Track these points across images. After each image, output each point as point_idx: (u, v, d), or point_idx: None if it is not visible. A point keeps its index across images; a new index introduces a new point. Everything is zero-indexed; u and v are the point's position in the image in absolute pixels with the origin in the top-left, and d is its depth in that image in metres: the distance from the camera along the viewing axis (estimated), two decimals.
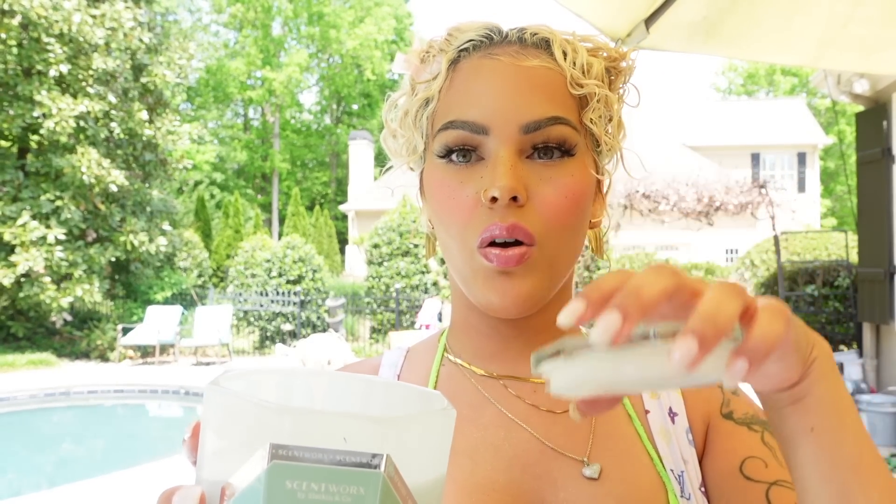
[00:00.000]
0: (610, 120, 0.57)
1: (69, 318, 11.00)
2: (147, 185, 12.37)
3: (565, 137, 0.53)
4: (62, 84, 11.07)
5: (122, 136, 11.64)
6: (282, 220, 29.19)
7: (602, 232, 0.62)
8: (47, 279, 10.35)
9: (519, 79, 0.53)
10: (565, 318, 0.32)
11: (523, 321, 0.57)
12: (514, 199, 0.51)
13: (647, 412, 0.59)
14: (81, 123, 10.80)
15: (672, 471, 0.55)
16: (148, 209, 12.28)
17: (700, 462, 0.58)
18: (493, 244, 0.52)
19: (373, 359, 0.66)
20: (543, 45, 0.56)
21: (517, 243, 0.51)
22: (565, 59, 0.55)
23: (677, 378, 0.33)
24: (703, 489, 0.56)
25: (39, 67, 10.64)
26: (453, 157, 0.54)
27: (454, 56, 0.56)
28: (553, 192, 0.52)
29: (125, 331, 11.05)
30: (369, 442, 0.27)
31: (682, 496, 0.54)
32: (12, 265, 10.14)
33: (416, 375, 0.62)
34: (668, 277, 0.33)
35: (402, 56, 0.61)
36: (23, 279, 10.30)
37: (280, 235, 26.47)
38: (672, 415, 0.59)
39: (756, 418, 0.58)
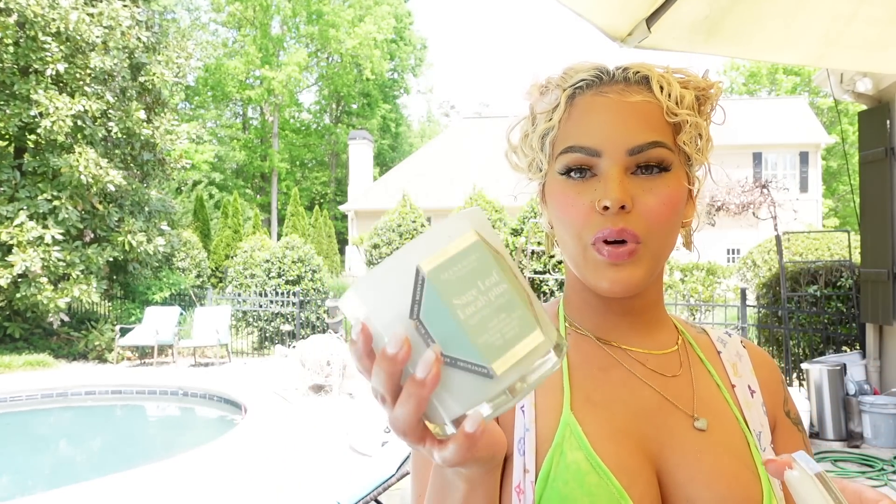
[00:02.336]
0: (700, 139, 0.70)
1: (67, 318, 10.95)
2: (145, 184, 12.33)
3: (663, 157, 0.66)
4: (59, 83, 11.02)
5: (119, 135, 11.59)
6: (281, 221, 29.17)
7: (691, 229, 0.76)
8: (44, 279, 10.30)
9: (625, 112, 0.66)
10: None
11: (629, 301, 0.71)
12: (623, 207, 0.63)
13: (733, 386, 0.73)
14: (79, 123, 10.75)
15: (753, 430, 0.70)
16: (146, 209, 12.24)
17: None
18: (605, 242, 0.64)
19: None
20: (644, 81, 0.68)
21: (625, 242, 0.64)
22: (661, 92, 0.67)
23: None
24: (772, 445, 0.71)
25: (36, 66, 10.59)
26: (572, 174, 0.67)
27: (571, 93, 0.69)
28: (655, 200, 0.65)
29: (123, 331, 11.01)
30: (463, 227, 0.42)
31: (760, 448, 0.69)
32: (9, 265, 10.09)
33: None
34: None
35: (525, 88, 0.75)
36: (20, 279, 10.25)
37: (279, 235, 26.44)
38: (751, 391, 0.74)
39: (798, 418, 0.77)
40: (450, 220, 0.41)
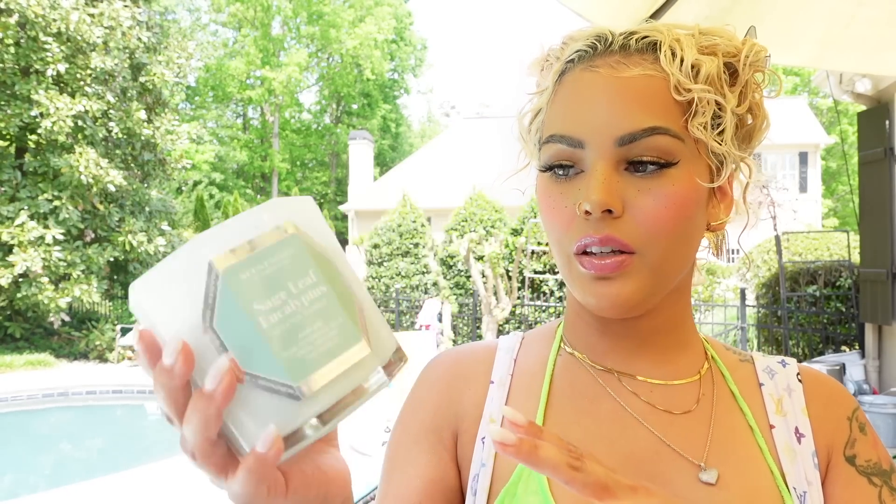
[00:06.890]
0: (720, 124, 0.54)
1: (67, 318, 10.97)
2: (146, 184, 12.34)
3: (665, 148, 0.51)
4: (60, 83, 11.04)
5: (120, 135, 11.61)
6: None
7: (724, 234, 0.61)
8: (45, 279, 10.32)
9: (616, 91, 0.52)
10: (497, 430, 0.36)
11: (632, 322, 0.57)
12: (609, 211, 0.51)
13: (772, 427, 0.57)
14: (79, 123, 10.77)
15: (794, 489, 0.53)
16: (146, 209, 12.25)
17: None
18: (588, 253, 0.53)
19: (489, 341, 0.67)
20: (649, 49, 0.54)
21: (613, 252, 0.52)
22: (673, 62, 0.53)
23: None
24: None
25: (37, 66, 10.60)
26: (556, 171, 0.55)
27: (561, 68, 0.57)
28: (653, 202, 0.51)
29: (124, 331, 11.01)
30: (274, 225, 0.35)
31: None
32: (10, 265, 10.10)
33: (532, 361, 0.63)
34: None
35: (526, 65, 0.62)
36: (21, 279, 10.27)
37: None
38: (799, 435, 0.57)
39: (878, 468, 0.56)
40: (258, 208, 0.35)
